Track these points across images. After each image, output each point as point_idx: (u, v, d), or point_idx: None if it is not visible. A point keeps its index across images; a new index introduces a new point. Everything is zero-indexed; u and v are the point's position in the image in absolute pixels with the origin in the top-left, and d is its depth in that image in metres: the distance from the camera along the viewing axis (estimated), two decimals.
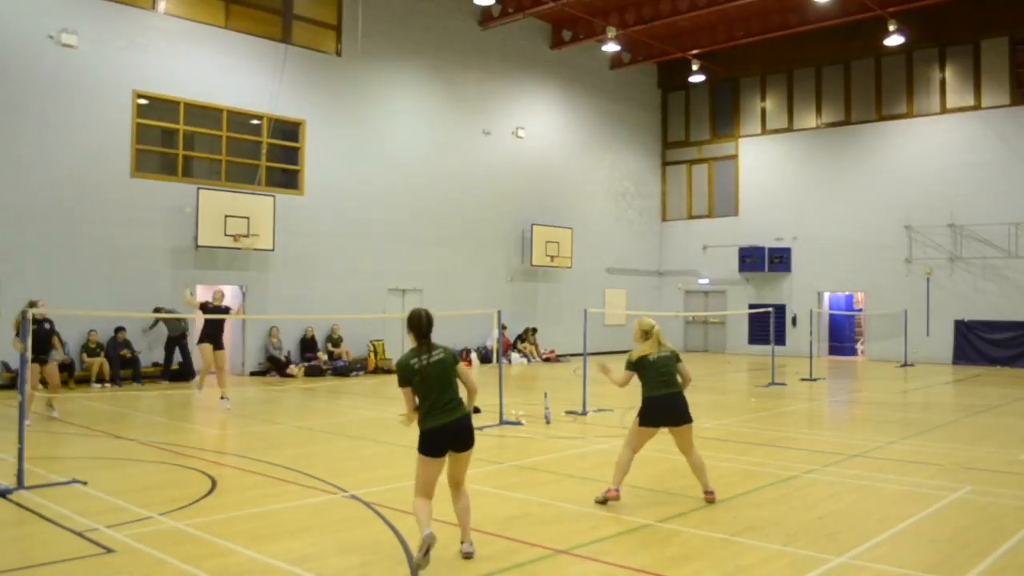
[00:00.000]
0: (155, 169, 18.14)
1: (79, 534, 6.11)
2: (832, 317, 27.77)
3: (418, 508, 5.52)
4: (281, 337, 19.55)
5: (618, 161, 29.09)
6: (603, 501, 7.10)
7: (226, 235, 18.12)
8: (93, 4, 17.09)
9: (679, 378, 7.35)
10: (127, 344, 17.17)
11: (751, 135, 28.93)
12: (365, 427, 11.55)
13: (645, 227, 30.26)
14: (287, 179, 20.29)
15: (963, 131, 24.58)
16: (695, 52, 26.43)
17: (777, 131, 28.36)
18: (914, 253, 25.29)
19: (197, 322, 14.56)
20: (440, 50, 23.32)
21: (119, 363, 16.83)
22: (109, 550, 5.72)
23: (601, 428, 11.55)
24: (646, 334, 7.41)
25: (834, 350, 27.59)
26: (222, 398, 13.45)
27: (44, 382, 12.01)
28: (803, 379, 18.76)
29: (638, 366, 7.31)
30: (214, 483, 7.89)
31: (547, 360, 24.92)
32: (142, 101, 17.77)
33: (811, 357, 19.72)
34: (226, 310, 13.99)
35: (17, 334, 11.28)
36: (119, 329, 17.07)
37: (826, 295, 27.35)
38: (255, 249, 18.72)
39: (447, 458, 5.66)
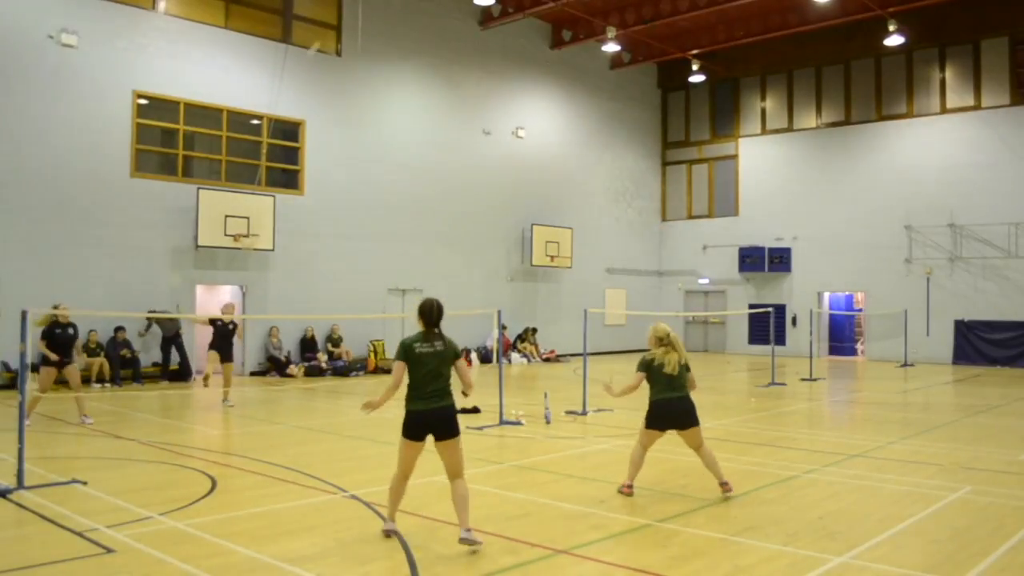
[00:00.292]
0: (155, 169, 18.14)
1: (79, 534, 6.11)
2: (832, 317, 27.77)
3: (392, 488, 6.02)
4: (281, 337, 19.54)
5: (618, 161, 29.09)
6: (624, 492, 7.41)
7: (226, 235, 18.12)
8: (93, 4, 17.09)
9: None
10: (127, 344, 17.17)
11: (751, 135, 28.92)
12: (365, 427, 11.55)
13: (645, 227, 30.25)
14: (287, 179, 20.29)
15: (963, 131, 24.58)
16: (695, 52, 26.43)
17: (777, 131, 28.36)
18: (914, 253, 25.29)
19: (203, 331, 14.64)
20: (440, 50, 23.32)
21: (119, 363, 16.83)
22: (109, 550, 5.72)
23: (601, 428, 11.55)
24: (660, 341, 7.44)
25: (834, 350, 27.59)
26: (224, 400, 13.66)
27: (62, 382, 11.97)
28: (803, 379, 18.76)
29: (649, 368, 7.38)
30: (214, 483, 7.89)
31: (547, 360, 24.92)
32: (142, 101, 17.77)
33: (811, 357, 19.72)
34: (234, 326, 13.99)
35: (43, 336, 11.32)
36: (119, 329, 17.07)
37: (826, 295, 27.34)
38: (255, 249, 18.71)
39: (436, 448, 5.93)
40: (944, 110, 25.03)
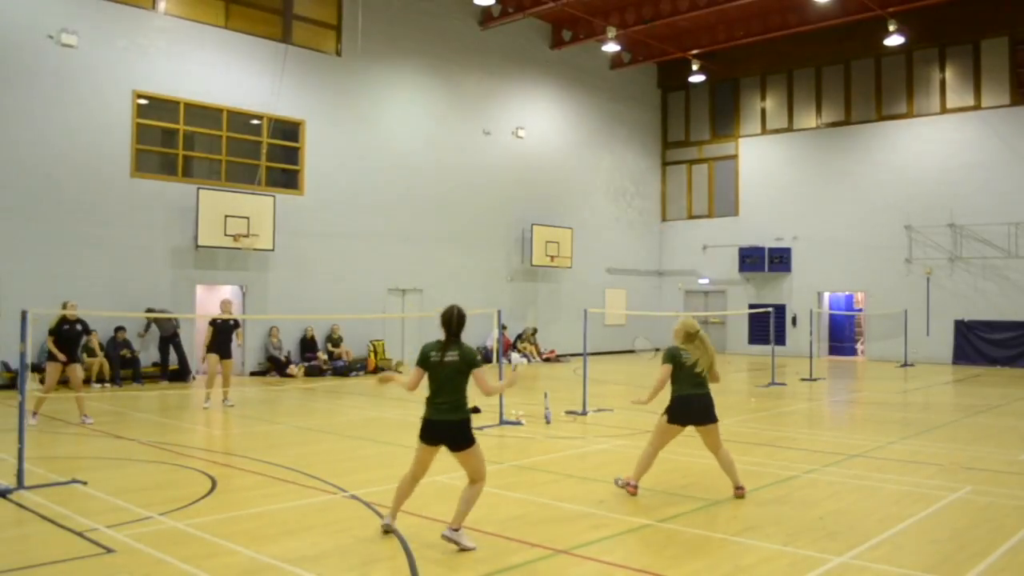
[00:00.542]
0: (155, 169, 18.14)
1: (79, 534, 6.11)
2: (832, 317, 27.76)
3: (400, 486, 6.08)
4: (281, 337, 19.54)
5: (618, 161, 29.09)
6: (621, 486, 7.42)
7: (226, 235, 18.12)
8: (93, 4, 17.09)
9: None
10: (127, 344, 17.17)
11: (751, 135, 28.92)
12: (365, 427, 11.55)
13: (645, 227, 30.25)
14: (287, 179, 20.29)
15: (963, 131, 24.58)
16: (695, 52, 26.43)
17: (777, 131, 28.35)
18: (914, 253, 25.28)
19: (203, 331, 14.64)
20: (440, 50, 23.31)
21: (119, 363, 16.82)
22: (109, 550, 5.72)
23: (601, 428, 11.55)
24: (690, 337, 7.38)
25: (834, 350, 27.58)
26: (224, 400, 13.67)
27: (63, 381, 11.97)
28: (803, 379, 18.76)
29: (675, 361, 7.32)
30: (214, 483, 7.89)
31: (547, 360, 24.93)
32: (142, 101, 17.77)
33: (811, 357, 19.71)
34: (235, 323, 13.98)
35: (50, 333, 11.37)
36: (119, 329, 17.07)
37: (826, 295, 27.34)
38: (255, 249, 18.72)
39: (452, 456, 5.94)
40: (944, 110, 25.03)
